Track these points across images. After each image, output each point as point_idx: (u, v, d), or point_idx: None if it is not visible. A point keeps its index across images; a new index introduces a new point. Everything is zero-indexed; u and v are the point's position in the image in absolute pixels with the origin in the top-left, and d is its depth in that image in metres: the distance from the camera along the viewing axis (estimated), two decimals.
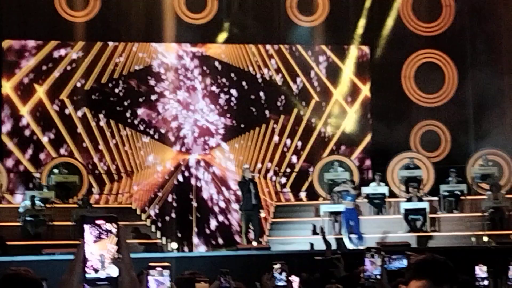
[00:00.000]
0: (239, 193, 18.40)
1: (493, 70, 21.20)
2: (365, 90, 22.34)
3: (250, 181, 17.52)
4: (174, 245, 18.71)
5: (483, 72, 21.22)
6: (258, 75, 22.19)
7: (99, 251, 2.10)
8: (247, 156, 21.99)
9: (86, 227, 2.12)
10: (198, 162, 21.76)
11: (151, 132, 21.72)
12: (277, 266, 5.72)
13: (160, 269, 2.63)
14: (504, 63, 21.72)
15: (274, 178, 21.84)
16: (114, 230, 2.13)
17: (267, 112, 22.14)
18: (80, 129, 21.20)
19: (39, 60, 21.17)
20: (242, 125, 22.10)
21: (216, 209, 21.42)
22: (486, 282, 5.26)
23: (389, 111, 21.87)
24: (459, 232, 17.98)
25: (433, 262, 3.09)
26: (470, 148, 21.40)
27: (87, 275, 2.09)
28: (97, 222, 2.13)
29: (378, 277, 4.14)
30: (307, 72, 22.26)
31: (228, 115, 22.04)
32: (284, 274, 5.70)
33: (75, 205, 18.44)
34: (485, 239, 17.20)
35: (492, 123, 21.16)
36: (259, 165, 21.78)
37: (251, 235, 17.54)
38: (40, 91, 21.11)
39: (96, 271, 2.10)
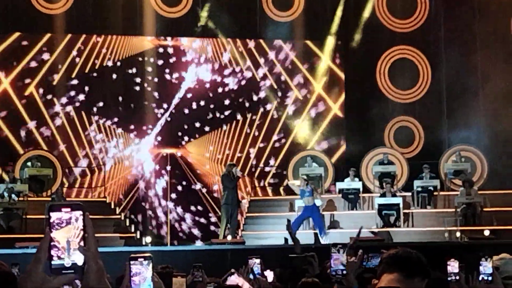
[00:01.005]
0: (215, 187, 18.21)
1: (466, 66, 21.36)
2: (340, 85, 22.45)
3: (235, 178, 17.54)
4: (148, 239, 18.67)
5: (457, 67, 21.36)
6: (235, 69, 22.18)
7: (64, 239, 2.11)
8: (224, 150, 22.00)
9: (53, 215, 2.13)
10: (173, 156, 21.72)
11: (127, 125, 21.64)
12: (252, 260, 5.75)
13: (142, 259, 2.68)
14: (476, 57, 21.83)
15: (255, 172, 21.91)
16: (80, 218, 2.13)
17: (244, 106, 22.14)
18: (52, 121, 21.10)
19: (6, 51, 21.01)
20: (218, 120, 22.09)
21: (190, 202, 21.41)
22: (458, 277, 5.32)
23: (363, 106, 22.05)
24: (432, 228, 18.11)
25: (404, 256, 3.12)
26: (443, 144, 21.55)
27: (52, 263, 2.09)
28: (63, 210, 2.13)
29: (344, 272, 4.18)
30: (284, 66, 22.30)
31: (205, 109, 22.01)
32: (258, 268, 5.73)
33: (49, 199, 18.35)
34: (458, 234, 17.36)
35: (465, 118, 21.34)
36: (238, 157, 21.80)
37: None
38: (6, 82, 20.94)
39: (61, 258, 2.10)
